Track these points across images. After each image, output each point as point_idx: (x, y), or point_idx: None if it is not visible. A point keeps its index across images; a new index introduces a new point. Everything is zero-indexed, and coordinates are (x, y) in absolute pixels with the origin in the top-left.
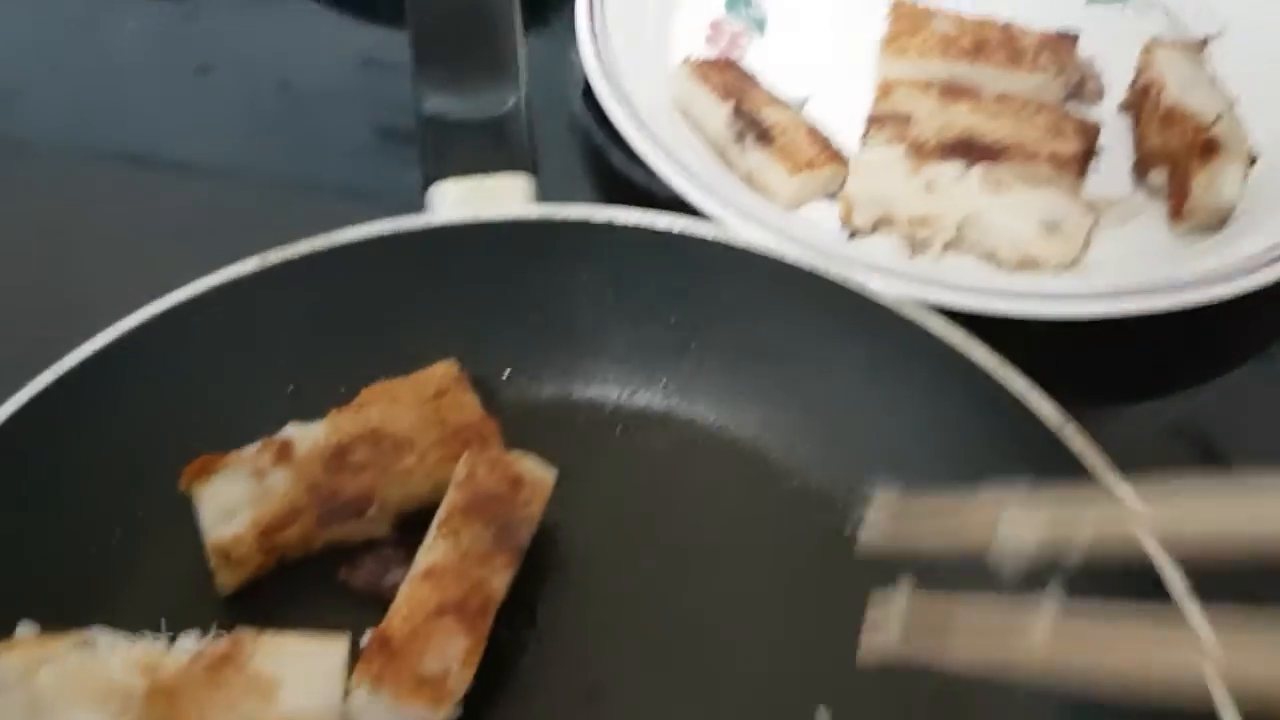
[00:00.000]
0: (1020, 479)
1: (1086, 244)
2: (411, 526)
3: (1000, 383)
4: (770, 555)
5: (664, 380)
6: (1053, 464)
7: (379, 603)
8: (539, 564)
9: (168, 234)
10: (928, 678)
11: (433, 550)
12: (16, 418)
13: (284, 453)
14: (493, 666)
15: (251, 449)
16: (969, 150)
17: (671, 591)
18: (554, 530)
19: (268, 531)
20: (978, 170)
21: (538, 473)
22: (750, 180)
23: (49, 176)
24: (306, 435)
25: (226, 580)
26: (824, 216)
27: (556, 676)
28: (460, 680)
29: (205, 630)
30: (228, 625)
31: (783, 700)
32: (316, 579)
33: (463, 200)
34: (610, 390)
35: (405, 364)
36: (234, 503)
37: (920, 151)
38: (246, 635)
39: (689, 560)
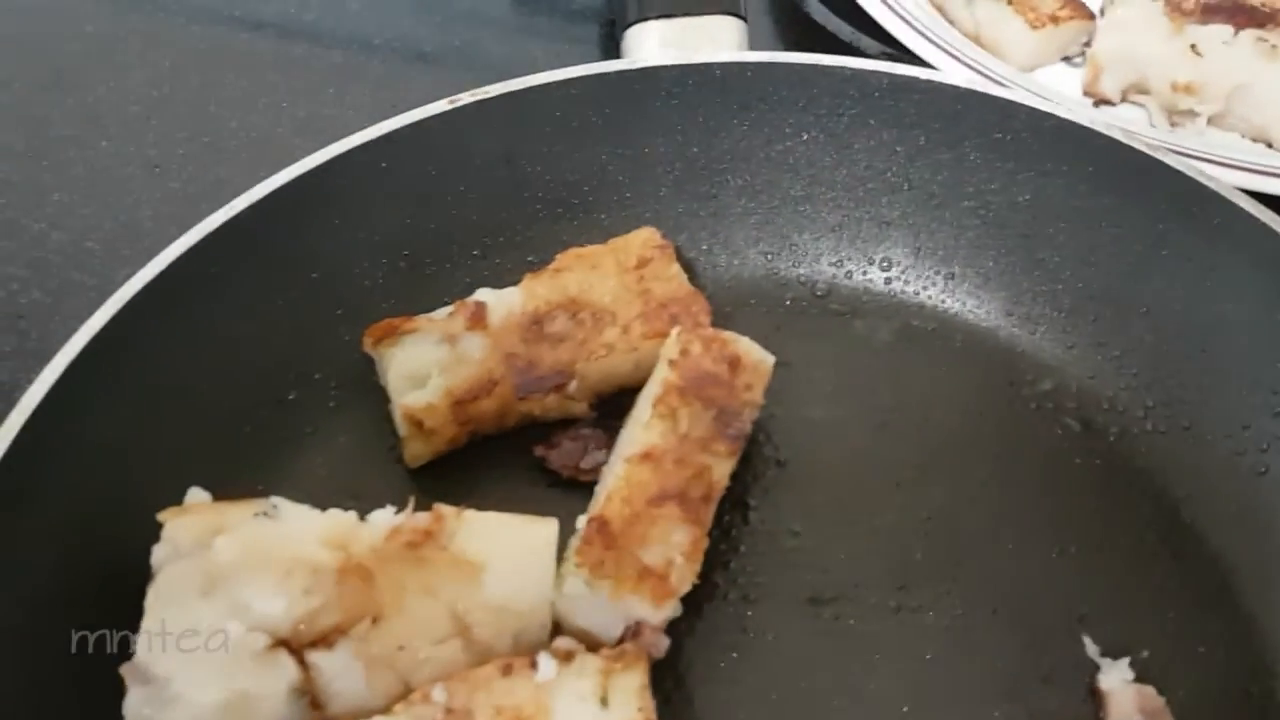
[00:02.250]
0: None
1: None
2: (609, 408)
3: None
4: (1016, 465)
5: (885, 257)
6: None
7: (577, 486)
8: (751, 458)
9: (312, 93)
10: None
11: (650, 430)
12: (190, 253)
13: (478, 317)
14: (707, 564)
15: (443, 312)
16: (1235, 12)
17: (899, 499)
18: (767, 422)
19: (463, 401)
20: (1248, 35)
21: (756, 355)
22: (979, 37)
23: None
24: (500, 301)
25: (417, 452)
26: (1061, 81)
27: (775, 580)
28: (684, 576)
29: (399, 506)
30: (421, 504)
31: (1030, 626)
32: (510, 457)
33: (667, 43)
34: (823, 268)
35: (596, 231)
36: (425, 368)
37: (1180, 10)
38: (448, 511)
39: (919, 466)
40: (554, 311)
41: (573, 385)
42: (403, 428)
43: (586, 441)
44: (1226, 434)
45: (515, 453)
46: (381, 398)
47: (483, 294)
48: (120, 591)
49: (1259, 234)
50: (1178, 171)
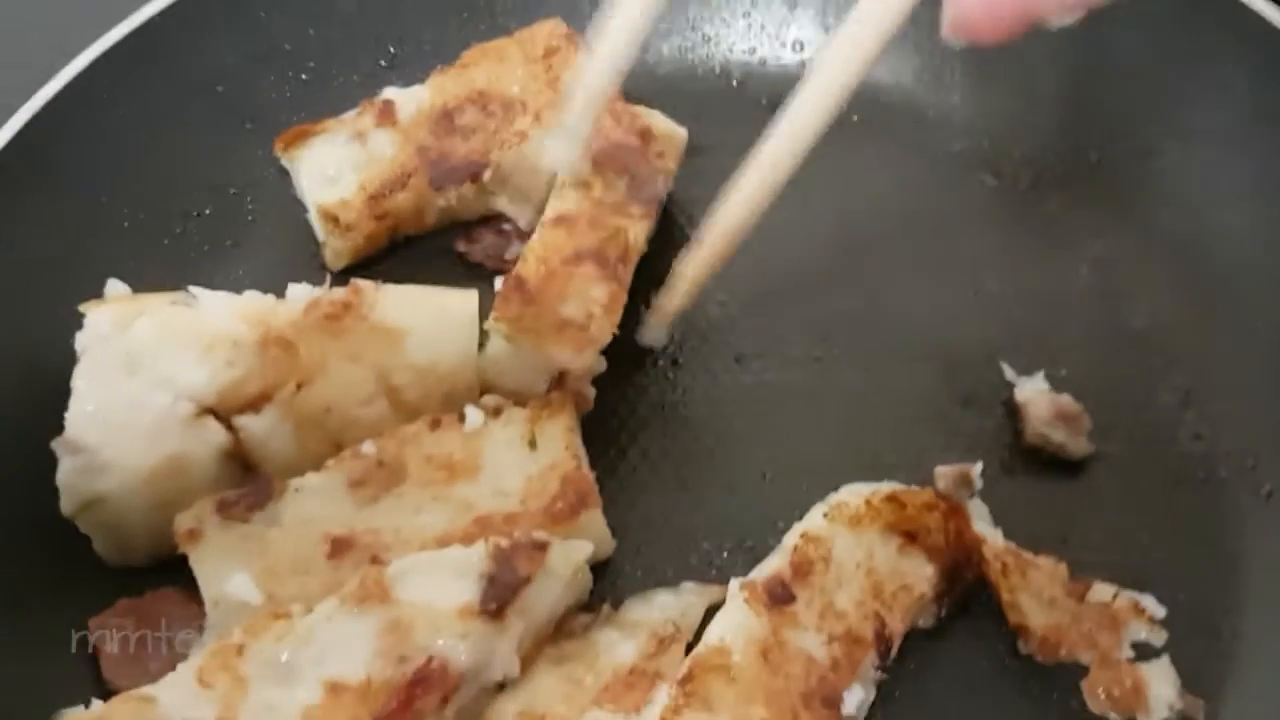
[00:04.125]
0: None
1: None
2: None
3: None
4: (931, 221)
5: (796, 39)
6: None
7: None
8: (677, 238)
9: None
10: None
11: (562, 199)
12: (92, 67)
13: (386, 114)
14: (632, 336)
15: (351, 113)
16: None
17: (819, 263)
18: (691, 206)
19: (377, 195)
20: None
21: (667, 126)
22: None
23: None
24: (409, 98)
25: (337, 249)
26: None
27: (701, 344)
28: (603, 327)
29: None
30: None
31: (948, 359)
32: (435, 259)
33: None
34: (736, 57)
35: (503, 35)
36: (337, 167)
37: None
38: (366, 284)
39: (837, 231)
40: (463, 105)
41: (488, 174)
42: (320, 228)
43: (509, 236)
44: (1131, 163)
45: (440, 254)
46: (300, 209)
47: (390, 92)
48: (49, 382)
49: None
50: None
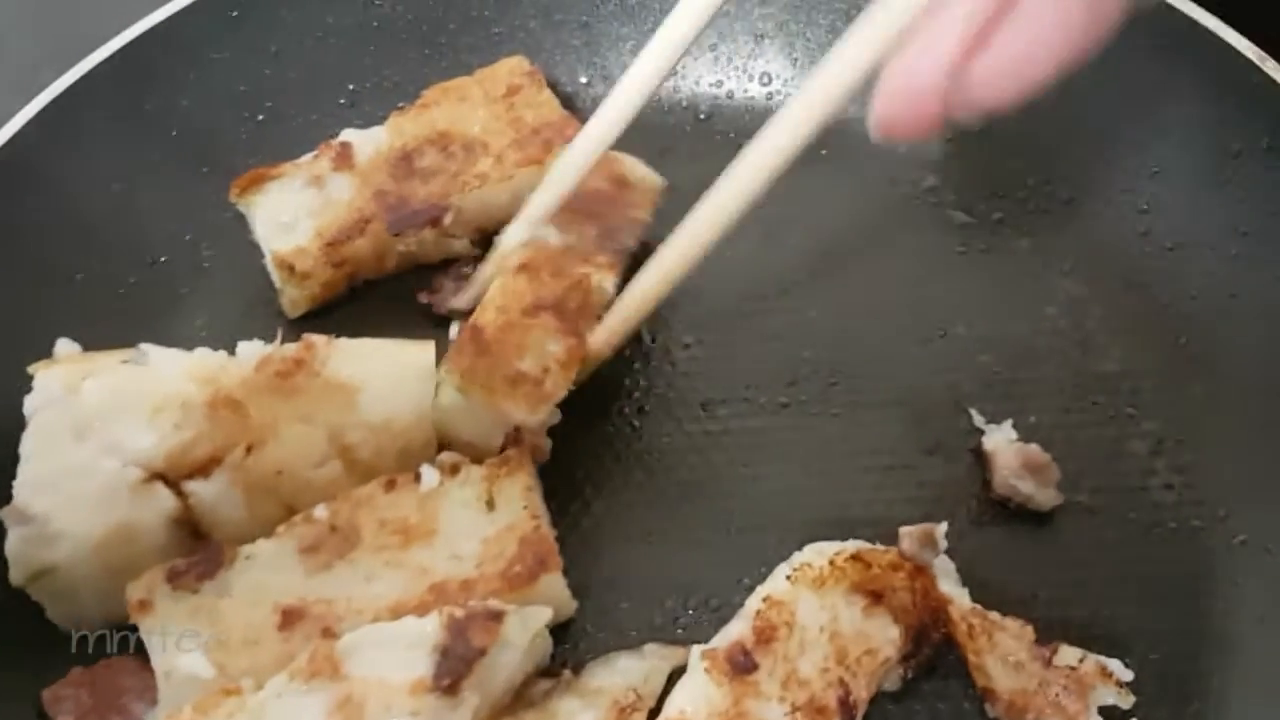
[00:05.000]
0: None
1: None
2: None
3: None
4: (900, 260)
5: (764, 72)
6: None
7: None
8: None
9: None
10: None
11: (526, 246)
12: (40, 116)
13: (344, 157)
14: (598, 382)
15: (308, 156)
16: None
17: (787, 303)
18: (655, 242)
19: (335, 242)
20: None
21: (643, 173)
22: None
23: None
24: (367, 140)
25: (294, 298)
26: None
27: (667, 390)
28: (558, 383)
29: (269, 342)
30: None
31: (915, 406)
32: (396, 305)
33: None
34: (703, 90)
35: (464, 72)
36: (293, 213)
37: None
38: (319, 339)
39: (805, 271)
40: (422, 146)
41: (449, 218)
42: (276, 275)
43: (469, 279)
44: (1107, 201)
45: (400, 300)
46: (258, 254)
47: (347, 134)
48: None
49: None
50: None
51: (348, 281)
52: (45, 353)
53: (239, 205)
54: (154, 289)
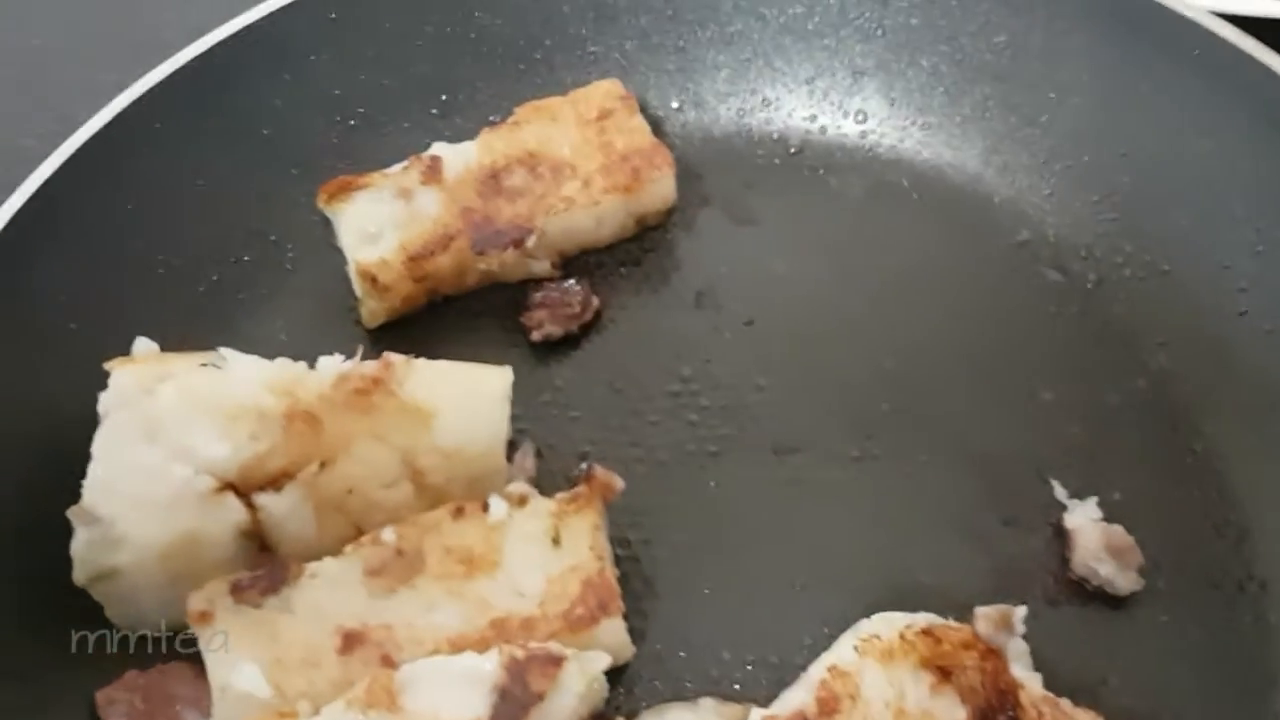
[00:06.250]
0: None
1: None
2: (576, 268)
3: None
4: (990, 316)
5: (859, 109)
6: None
7: (551, 348)
8: (717, 317)
9: None
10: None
11: None
12: (135, 106)
13: (433, 171)
14: (670, 421)
15: (397, 167)
16: None
17: (867, 352)
18: (734, 281)
19: (417, 257)
20: None
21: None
22: None
23: None
24: (457, 155)
25: (373, 310)
26: None
27: (738, 433)
28: None
29: (349, 356)
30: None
31: (995, 472)
32: (478, 321)
33: None
34: (796, 124)
35: (558, 89)
36: (379, 224)
37: None
38: (398, 359)
39: (889, 320)
40: (511, 165)
41: (532, 240)
42: (358, 285)
43: (561, 298)
44: (1205, 276)
45: (482, 316)
46: (341, 260)
47: (438, 148)
48: (70, 441)
49: (1236, 61)
50: (1153, 2)
51: (427, 296)
52: (123, 348)
53: (326, 211)
54: (235, 288)
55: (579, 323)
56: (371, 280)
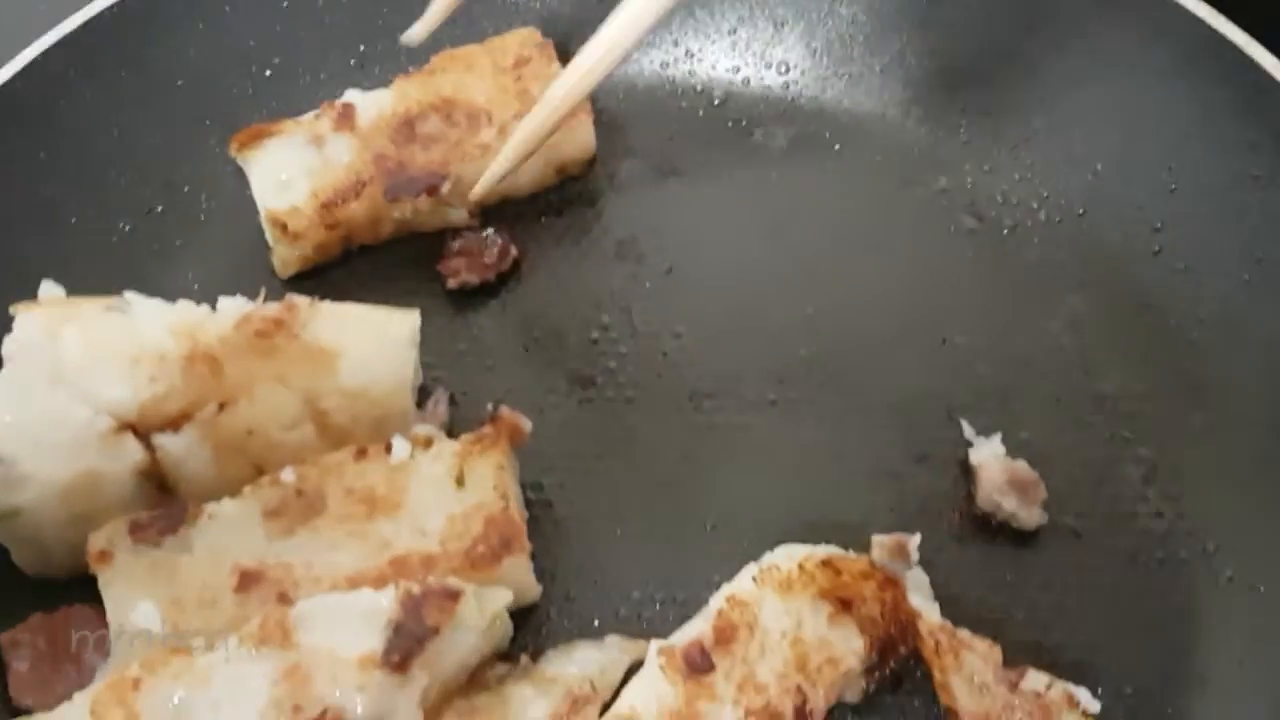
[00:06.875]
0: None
1: None
2: (493, 218)
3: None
4: (906, 263)
5: (782, 60)
6: None
7: (466, 295)
8: (638, 266)
9: None
10: None
11: None
12: (47, 54)
13: (345, 118)
14: (587, 366)
15: (309, 115)
16: None
17: (786, 300)
18: (656, 231)
19: (329, 204)
20: None
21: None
22: None
23: None
24: (371, 103)
25: (285, 258)
26: None
27: (654, 380)
28: None
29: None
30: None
31: (907, 413)
32: (397, 270)
33: None
34: (719, 75)
35: (479, 39)
36: (290, 172)
37: None
38: (301, 300)
39: (807, 268)
40: (426, 113)
41: (446, 187)
42: (269, 233)
43: (479, 247)
44: (1120, 217)
45: (400, 265)
46: (254, 211)
47: (351, 95)
48: None
49: (1152, 5)
50: None
51: (342, 245)
52: (30, 294)
53: (238, 160)
54: (147, 238)
55: (495, 271)
56: (282, 228)
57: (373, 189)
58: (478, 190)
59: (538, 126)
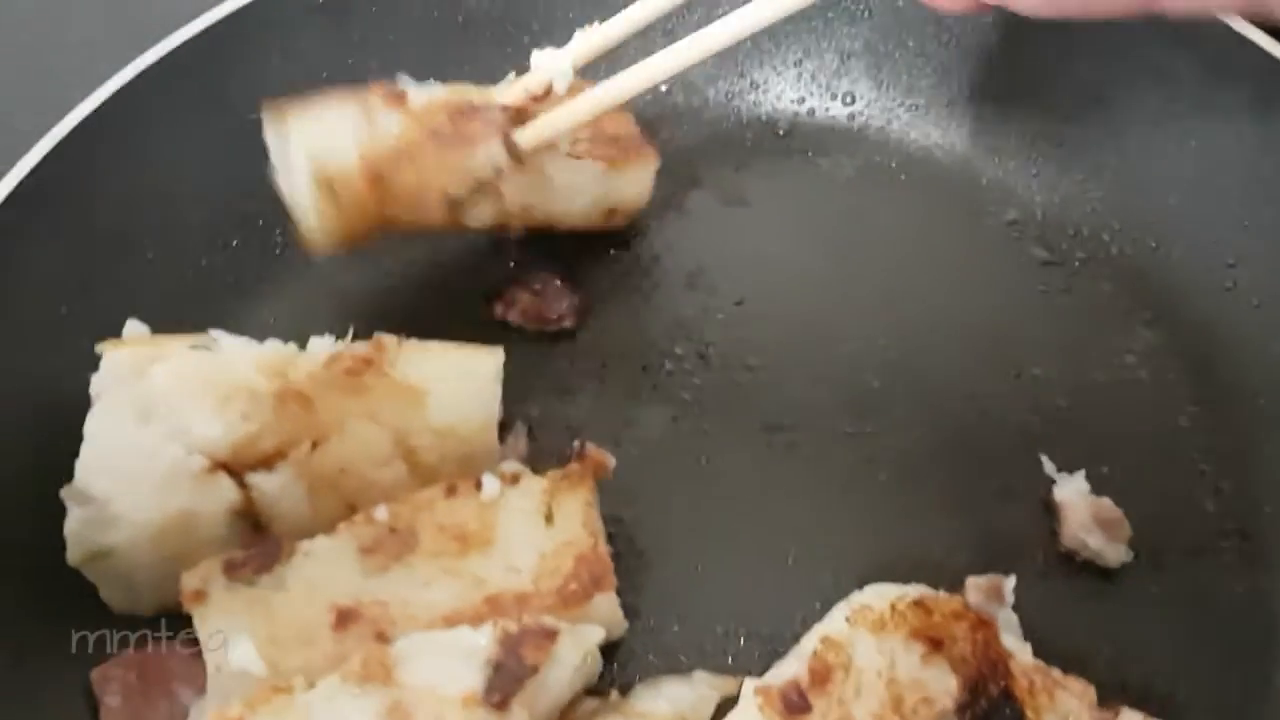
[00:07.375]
0: None
1: None
2: (564, 257)
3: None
4: (977, 295)
5: (848, 91)
6: None
7: (543, 338)
8: (708, 298)
9: None
10: None
11: None
12: (126, 89)
13: (396, 97)
14: (662, 401)
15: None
16: None
17: (857, 330)
18: (726, 262)
19: (377, 165)
20: None
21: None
22: None
23: None
24: (423, 91)
25: (324, 227)
26: None
27: (730, 411)
28: None
29: (339, 337)
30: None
31: (986, 447)
32: (466, 312)
33: None
34: (785, 106)
35: None
36: (339, 137)
37: None
38: (389, 339)
39: (878, 298)
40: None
41: (504, 163)
42: (310, 197)
43: (545, 293)
44: (1193, 252)
45: (472, 304)
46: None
47: (403, 81)
48: (62, 422)
49: (1227, 42)
50: None
51: (383, 223)
52: (114, 330)
53: (277, 128)
54: (226, 272)
55: (560, 326)
56: (328, 186)
57: (425, 159)
58: (527, 139)
59: (604, 95)
